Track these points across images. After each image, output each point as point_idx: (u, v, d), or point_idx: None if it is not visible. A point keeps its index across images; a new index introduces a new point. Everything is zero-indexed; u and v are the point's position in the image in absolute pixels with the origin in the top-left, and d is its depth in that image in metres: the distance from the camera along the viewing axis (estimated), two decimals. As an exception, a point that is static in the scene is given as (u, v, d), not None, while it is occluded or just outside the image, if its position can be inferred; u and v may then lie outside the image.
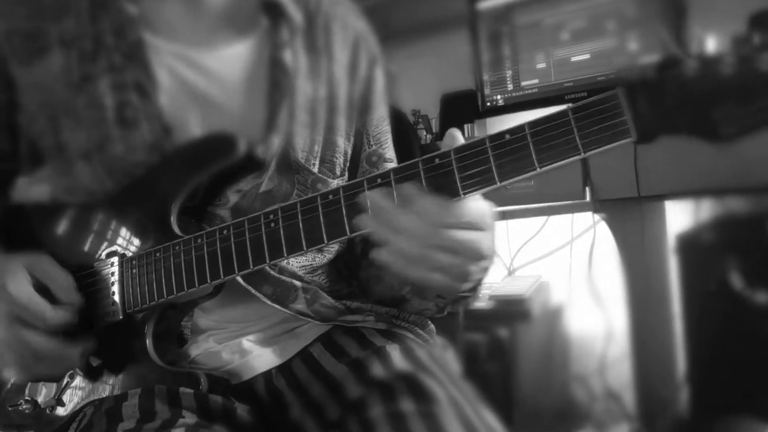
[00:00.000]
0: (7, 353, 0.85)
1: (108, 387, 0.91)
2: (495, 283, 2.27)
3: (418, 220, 0.69)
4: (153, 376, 0.88)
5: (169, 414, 0.82)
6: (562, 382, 2.32)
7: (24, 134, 0.92)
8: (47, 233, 0.93)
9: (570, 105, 0.65)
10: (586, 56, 1.87)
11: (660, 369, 2.06)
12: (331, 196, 0.75)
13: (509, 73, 2.00)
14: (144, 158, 0.87)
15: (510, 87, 2.01)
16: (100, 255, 0.91)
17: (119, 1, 0.90)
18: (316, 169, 0.95)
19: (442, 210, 0.69)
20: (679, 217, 2.01)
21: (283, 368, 0.93)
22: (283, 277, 0.92)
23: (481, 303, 2.09)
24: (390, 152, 1.06)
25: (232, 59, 0.94)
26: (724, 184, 1.55)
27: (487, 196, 0.73)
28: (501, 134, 0.68)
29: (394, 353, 0.87)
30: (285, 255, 0.78)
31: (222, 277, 0.82)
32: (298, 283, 0.94)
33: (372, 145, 1.03)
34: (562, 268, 2.29)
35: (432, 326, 1.02)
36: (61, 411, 0.93)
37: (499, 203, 0.75)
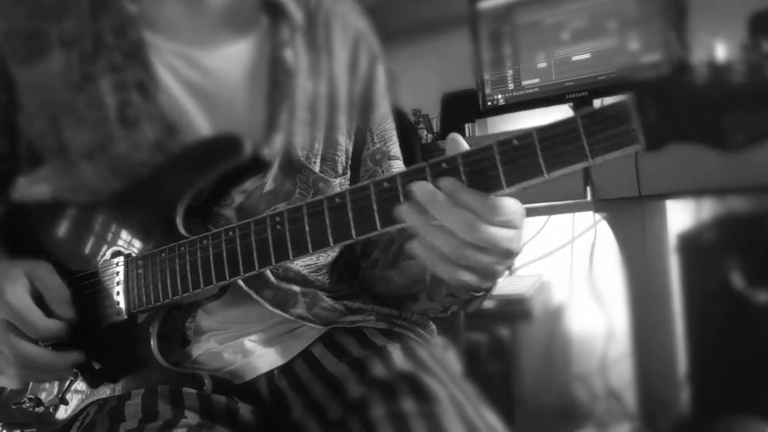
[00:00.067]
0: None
1: (108, 388, 0.91)
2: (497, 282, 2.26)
3: (464, 215, 0.68)
4: (156, 377, 0.88)
5: (172, 414, 0.82)
6: (563, 382, 2.32)
7: (23, 135, 0.93)
8: (52, 233, 0.93)
9: (579, 112, 0.64)
10: (587, 56, 1.87)
11: (661, 368, 2.06)
12: (337, 199, 0.75)
13: (510, 72, 2.00)
14: (148, 157, 0.88)
15: (511, 86, 2.00)
16: (105, 255, 0.91)
17: (119, 0, 0.90)
18: (317, 168, 0.95)
19: (484, 206, 0.68)
20: (680, 216, 2.02)
21: (285, 368, 0.93)
22: (282, 284, 0.93)
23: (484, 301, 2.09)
24: (395, 149, 1.06)
25: (232, 58, 0.94)
26: (724, 183, 1.55)
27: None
28: (509, 140, 0.67)
29: (396, 353, 0.87)
30: (291, 257, 0.78)
31: (227, 278, 0.82)
32: (296, 288, 0.94)
33: (376, 143, 1.03)
34: (563, 267, 2.29)
35: (433, 326, 1.02)
36: (64, 410, 0.93)
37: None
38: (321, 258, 0.98)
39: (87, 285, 0.90)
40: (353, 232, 0.74)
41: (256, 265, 0.80)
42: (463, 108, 2.19)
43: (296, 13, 0.97)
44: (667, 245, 2.04)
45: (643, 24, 1.77)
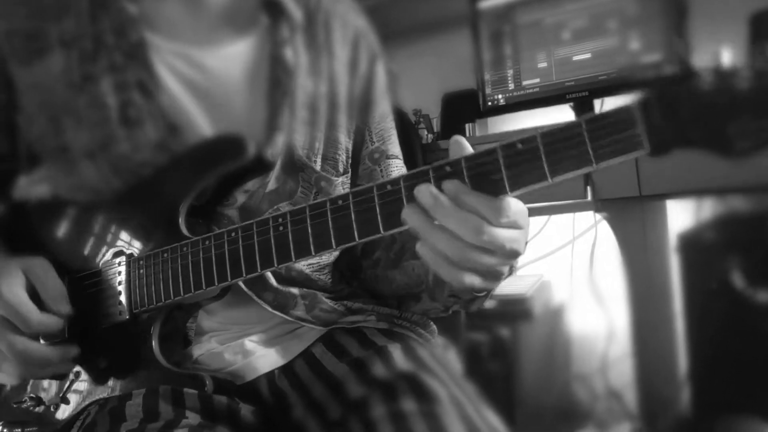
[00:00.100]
0: None
1: (108, 388, 0.91)
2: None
3: (468, 217, 0.67)
4: (157, 377, 0.88)
5: (173, 414, 0.82)
6: (563, 382, 2.32)
7: (22, 135, 0.93)
8: (53, 233, 0.93)
9: (583, 116, 0.64)
10: (588, 55, 1.87)
11: (661, 368, 2.06)
12: (340, 201, 0.75)
13: (510, 72, 2.00)
14: (149, 157, 0.88)
15: (511, 86, 2.01)
16: (107, 255, 0.91)
17: (119, 0, 0.90)
18: (318, 167, 0.95)
19: (489, 208, 0.67)
20: (681, 216, 2.02)
21: (286, 369, 0.93)
22: (282, 287, 0.93)
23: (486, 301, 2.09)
24: (395, 148, 1.06)
25: (232, 57, 0.94)
26: (725, 183, 1.55)
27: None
28: (513, 143, 0.66)
29: (396, 353, 0.87)
30: (293, 259, 0.78)
31: (229, 279, 0.82)
32: (295, 290, 0.94)
33: (374, 142, 1.03)
34: (564, 267, 2.29)
35: (434, 326, 1.02)
36: (64, 409, 0.93)
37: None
38: (324, 257, 0.98)
39: (89, 284, 0.90)
40: (356, 235, 0.74)
41: (258, 266, 0.80)
42: (464, 108, 2.19)
43: (296, 12, 0.97)
44: (668, 245, 2.04)
45: (643, 24, 1.77)
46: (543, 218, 2.25)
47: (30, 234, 0.94)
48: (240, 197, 0.91)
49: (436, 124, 2.38)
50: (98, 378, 0.91)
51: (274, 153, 0.90)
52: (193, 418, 0.82)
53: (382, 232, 0.72)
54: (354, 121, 1.01)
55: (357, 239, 0.74)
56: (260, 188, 0.91)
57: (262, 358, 0.93)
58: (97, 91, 0.88)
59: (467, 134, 2.14)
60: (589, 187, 1.72)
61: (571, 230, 2.25)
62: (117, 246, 0.90)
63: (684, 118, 0.60)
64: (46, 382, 0.96)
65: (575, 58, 1.89)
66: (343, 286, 1.02)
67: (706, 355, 1.96)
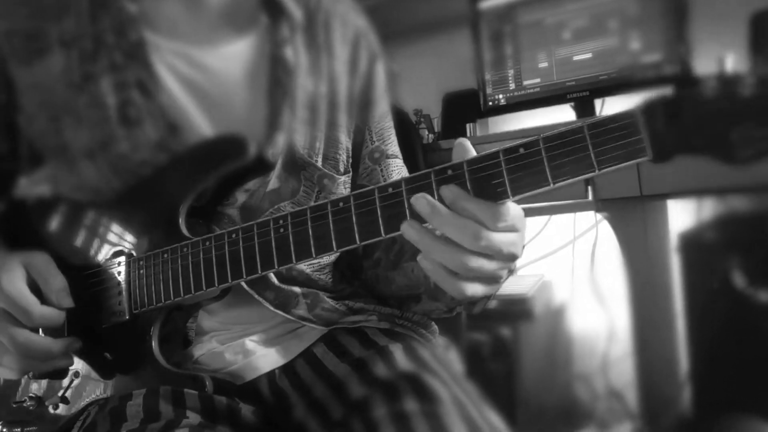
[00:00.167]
0: None
1: (98, 388, 0.91)
2: (498, 283, 2.26)
3: (466, 224, 0.67)
4: (157, 377, 0.88)
5: (173, 414, 0.82)
6: (564, 381, 2.32)
7: (23, 135, 0.93)
8: (53, 232, 0.93)
9: (586, 121, 0.64)
10: (588, 55, 1.87)
11: (662, 368, 2.06)
12: (341, 204, 0.75)
13: (511, 72, 2.00)
14: (149, 157, 0.88)
15: (512, 86, 2.01)
16: (107, 254, 0.91)
17: (119, 0, 0.90)
18: (320, 165, 0.95)
19: (487, 213, 0.67)
20: (682, 216, 2.02)
21: (287, 368, 0.93)
22: (284, 286, 0.93)
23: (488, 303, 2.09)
24: (393, 147, 1.06)
25: (232, 57, 0.94)
26: (725, 183, 1.55)
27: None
28: (515, 147, 0.66)
29: (397, 353, 0.87)
30: (294, 261, 0.78)
31: (230, 280, 0.82)
32: (297, 289, 0.94)
33: (374, 142, 1.03)
34: (565, 267, 2.29)
35: (435, 326, 1.02)
36: (64, 409, 0.93)
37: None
38: (324, 257, 0.97)
39: (89, 283, 0.91)
40: (357, 237, 0.74)
41: (259, 267, 0.80)
42: (465, 108, 2.19)
43: (296, 12, 0.97)
44: (669, 245, 2.04)
45: (644, 23, 1.77)
46: (544, 218, 2.25)
47: (30, 232, 0.94)
48: (241, 197, 0.91)
49: (436, 124, 2.37)
50: (104, 373, 0.91)
51: (275, 152, 0.91)
52: (193, 418, 0.82)
53: (383, 234, 0.72)
54: (354, 120, 1.01)
55: (358, 242, 0.74)
56: (261, 187, 0.91)
57: (263, 357, 0.93)
58: (97, 90, 0.88)
59: (468, 134, 2.14)
60: (589, 187, 1.72)
61: (572, 230, 2.25)
62: (117, 246, 0.90)
63: (687, 125, 0.60)
64: (44, 382, 0.96)
65: (576, 58, 1.89)
66: (344, 285, 1.02)
67: (706, 355, 1.96)
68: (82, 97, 0.88)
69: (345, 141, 0.99)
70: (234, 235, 0.81)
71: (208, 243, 0.83)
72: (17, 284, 0.84)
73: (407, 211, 0.70)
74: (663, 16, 1.73)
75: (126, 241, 0.90)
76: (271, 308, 0.92)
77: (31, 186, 0.94)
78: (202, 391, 0.87)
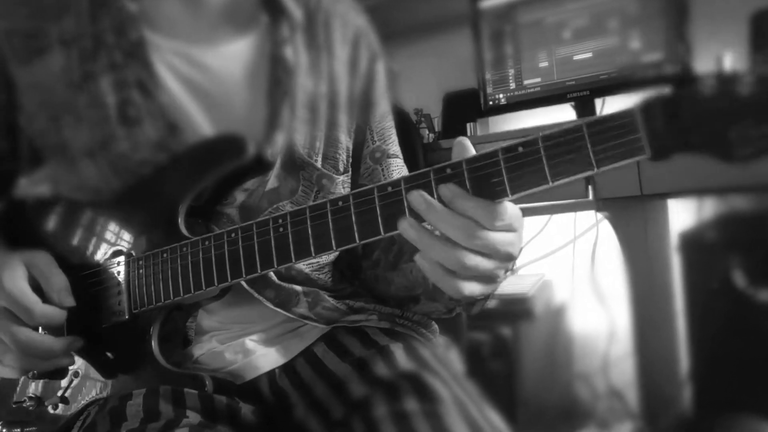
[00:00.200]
0: None
1: (95, 389, 0.91)
2: (498, 282, 2.26)
3: (462, 221, 0.68)
4: (157, 377, 0.88)
5: (173, 414, 0.82)
6: (565, 381, 2.32)
7: (24, 135, 0.93)
8: (53, 232, 0.93)
9: (585, 120, 0.64)
10: (589, 55, 1.87)
11: (663, 367, 2.06)
12: (340, 203, 0.75)
13: (511, 71, 2.00)
14: (149, 156, 0.88)
15: (512, 86, 2.00)
16: (106, 254, 0.91)
17: None
18: (319, 166, 0.95)
19: (484, 212, 0.67)
20: (682, 215, 2.02)
21: (287, 368, 0.93)
22: (284, 284, 0.93)
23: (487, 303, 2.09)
24: (394, 147, 1.06)
25: (232, 56, 0.94)
26: (726, 182, 1.54)
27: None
28: (514, 146, 0.67)
29: (398, 352, 0.87)
30: (293, 260, 0.78)
31: (229, 280, 0.82)
32: (298, 288, 0.94)
33: (375, 141, 1.03)
34: (565, 266, 2.29)
35: (435, 325, 1.02)
36: (64, 409, 0.93)
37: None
38: (323, 257, 0.97)
39: (89, 283, 0.90)
40: (356, 236, 0.74)
41: (258, 267, 0.80)
42: (465, 107, 2.19)
43: (296, 12, 0.97)
44: (669, 244, 2.04)
45: (644, 23, 1.77)
46: (544, 218, 2.25)
47: (30, 232, 0.94)
48: (239, 196, 0.91)
49: (437, 124, 2.37)
50: (105, 372, 0.91)
51: (274, 152, 0.90)
52: (193, 417, 0.82)
53: (382, 233, 0.72)
54: (354, 120, 1.01)
55: (357, 240, 0.74)
56: (260, 187, 0.91)
57: (263, 357, 0.93)
58: (97, 90, 0.88)
59: (468, 134, 2.14)
60: (590, 187, 1.72)
61: (573, 230, 2.25)
62: (116, 245, 0.90)
63: (686, 123, 0.60)
64: (43, 382, 0.96)
65: (576, 57, 1.89)
66: (344, 285, 1.02)
67: (707, 355, 1.96)
68: (81, 97, 0.88)
69: (345, 141, 0.99)
70: (233, 235, 0.82)
71: (207, 242, 0.83)
72: (19, 283, 0.85)
73: (406, 210, 0.71)
74: (663, 15, 1.73)
75: (125, 240, 0.90)
76: (272, 307, 0.91)
77: (31, 186, 0.94)
78: (202, 391, 0.87)
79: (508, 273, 0.76)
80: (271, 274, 0.91)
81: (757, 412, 1.80)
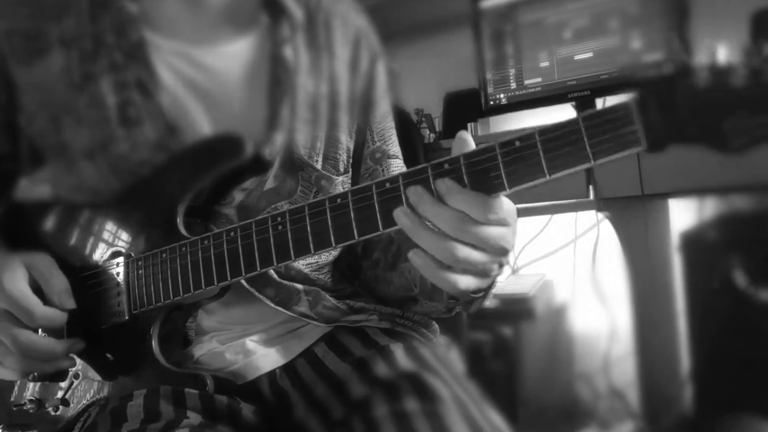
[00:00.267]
0: None
1: (96, 390, 0.91)
2: (499, 281, 2.26)
3: (455, 213, 0.68)
4: (158, 377, 0.87)
5: (174, 414, 0.82)
6: (566, 381, 2.32)
7: (24, 135, 0.93)
8: (52, 233, 0.93)
9: (581, 113, 0.65)
10: (590, 54, 1.87)
11: (664, 367, 2.06)
12: (339, 200, 0.75)
13: (512, 71, 2.00)
14: (148, 157, 0.88)
15: (513, 86, 2.01)
16: (105, 255, 0.91)
17: (119, 0, 0.90)
18: (319, 166, 0.95)
19: (478, 206, 0.68)
20: (683, 215, 2.02)
21: (288, 368, 0.93)
22: (285, 282, 0.93)
23: (485, 302, 2.09)
24: (395, 148, 1.06)
25: (232, 56, 0.94)
26: (727, 182, 1.55)
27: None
28: (511, 141, 0.67)
29: (398, 352, 0.87)
30: (293, 257, 0.78)
31: (229, 279, 0.82)
32: (299, 286, 0.94)
33: (376, 142, 1.03)
34: (566, 266, 2.29)
35: (436, 325, 1.02)
36: (65, 411, 0.93)
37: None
38: (322, 257, 0.98)
39: (89, 284, 0.90)
40: (355, 233, 0.74)
41: (258, 265, 0.80)
42: (466, 107, 2.19)
43: (296, 12, 0.97)
44: (670, 244, 2.04)
45: (645, 23, 1.77)
46: (545, 218, 2.25)
47: (30, 234, 0.94)
48: (238, 196, 0.91)
49: (438, 124, 2.38)
50: (105, 374, 0.91)
51: (272, 152, 0.90)
52: (194, 418, 0.82)
53: (381, 230, 0.73)
54: (355, 120, 1.01)
55: (356, 237, 0.74)
56: (258, 187, 0.91)
57: (264, 357, 0.93)
58: (97, 90, 0.88)
59: (469, 133, 2.14)
60: (591, 187, 1.72)
61: (574, 229, 2.25)
62: (115, 246, 0.90)
63: (680, 115, 0.61)
64: (43, 384, 0.96)
65: (577, 57, 1.89)
66: (345, 285, 1.02)
67: (708, 354, 1.96)
68: (82, 97, 0.88)
69: (345, 141, 0.99)
70: (232, 233, 0.82)
71: (206, 242, 0.83)
72: (19, 285, 0.85)
73: (405, 205, 0.71)
74: (664, 15, 1.73)
75: (124, 241, 0.90)
76: (272, 306, 0.91)
77: (31, 188, 0.94)
78: (203, 390, 0.87)
79: (503, 267, 0.77)
80: (272, 272, 0.91)
81: (758, 411, 1.80)
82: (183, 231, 0.86)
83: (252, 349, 0.93)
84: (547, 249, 2.30)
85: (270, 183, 0.92)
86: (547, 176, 0.66)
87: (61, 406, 0.93)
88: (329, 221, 0.75)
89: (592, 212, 2.11)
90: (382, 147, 1.03)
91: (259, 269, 0.80)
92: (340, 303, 0.97)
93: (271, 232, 0.79)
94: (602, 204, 1.76)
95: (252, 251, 0.80)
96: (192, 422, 0.81)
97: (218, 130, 0.90)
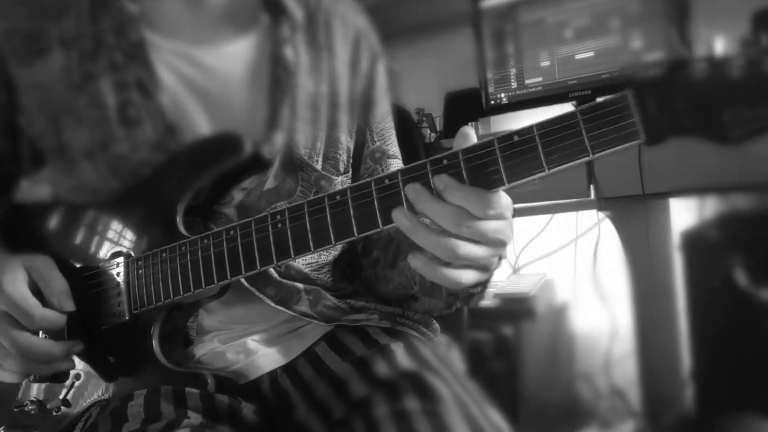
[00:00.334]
0: None
1: (100, 389, 0.91)
2: (500, 281, 2.27)
3: (453, 209, 0.68)
4: (158, 377, 0.88)
5: (175, 414, 0.82)
6: (567, 380, 2.32)
7: (24, 135, 0.93)
8: (52, 234, 0.93)
9: (578, 106, 0.65)
10: (590, 54, 1.87)
11: (665, 366, 2.06)
12: (338, 197, 0.75)
13: (513, 71, 2.00)
14: (148, 157, 0.88)
15: (514, 85, 2.00)
16: (105, 255, 0.91)
17: (120, 0, 0.90)
18: (319, 166, 0.95)
19: (476, 201, 0.68)
20: (684, 214, 2.01)
21: (288, 368, 0.93)
22: (286, 281, 0.93)
23: (486, 301, 2.09)
24: (394, 148, 1.06)
25: (233, 56, 0.94)
26: (728, 181, 1.54)
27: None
28: (510, 135, 0.67)
29: (399, 351, 0.87)
30: (292, 255, 0.78)
31: (229, 277, 0.82)
32: (300, 285, 0.94)
33: (375, 142, 1.03)
34: (567, 266, 2.29)
35: (436, 324, 1.02)
36: (66, 412, 0.93)
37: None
38: (322, 256, 0.98)
39: (89, 285, 0.90)
40: (355, 230, 0.74)
41: (258, 263, 0.80)
42: (467, 107, 2.19)
43: (296, 12, 0.97)
44: (671, 243, 2.04)
45: (646, 22, 1.77)
46: (546, 217, 2.25)
47: (29, 234, 0.94)
48: (237, 195, 0.91)
49: (438, 123, 2.38)
50: (106, 375, 0.91)
51: (272, 151, 0.90)
52: (194, 417, 0.82)
53: (380, 226, 0.73)
54: (355, 120, 1.01)
55: (356, 234, 0.74)
56: (258, 186, 0.91)
57: (264, 357, 0.93)
58: (97, 90, 0.88)
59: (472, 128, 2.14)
60: (592, 186, 1.72)
61: (574, 229, 2.25)
62: (115, 247, 0.90)
63: (679, 107, 0.61)
64: (44, 385, 0.96)
65: (578, 56, 1.89)
66: (345, 284, 1.02)
67: (709, 353, 1.96)
68: (81, 97, 0.88)
69: (346, 141, 0.99)
70: (232, 232, 0.82)
71: (206, 241, 0.83)
72: (19, 287, 0.85)
73: (404, 202, 0.71)
74: (664, 14, 1.73)
75: (124, 241, 0.90)
76: (273, 305, 0.91)
77: (32, 188, 0.94)
78: (204, 390, 0.87)
79: (502, 260, 0.77)
80: (272, 271, 0.91)
81: (759, 411, 1.80)
82: (183, 230, 0.86)
83: (253, 348, 0.93)
84: (547, 248, 2.30)
85: (270, 183, 0.92)
86: (546, 170, 0.66)
87: (62, 407, 0.93)
88: (329, 218, 0.75)
89: (593, 211, 2.10)
90: (381, 147, 1.03)
91: (259, 268, 0.80)
92: (341, 302, 0.97)
93: (270, 230, 0.79)
94: (603, 203, 1.76)
95: (252, 250, 0.80)
96: (193, 422, 0.81)
97: (218, 130, 0.90)
